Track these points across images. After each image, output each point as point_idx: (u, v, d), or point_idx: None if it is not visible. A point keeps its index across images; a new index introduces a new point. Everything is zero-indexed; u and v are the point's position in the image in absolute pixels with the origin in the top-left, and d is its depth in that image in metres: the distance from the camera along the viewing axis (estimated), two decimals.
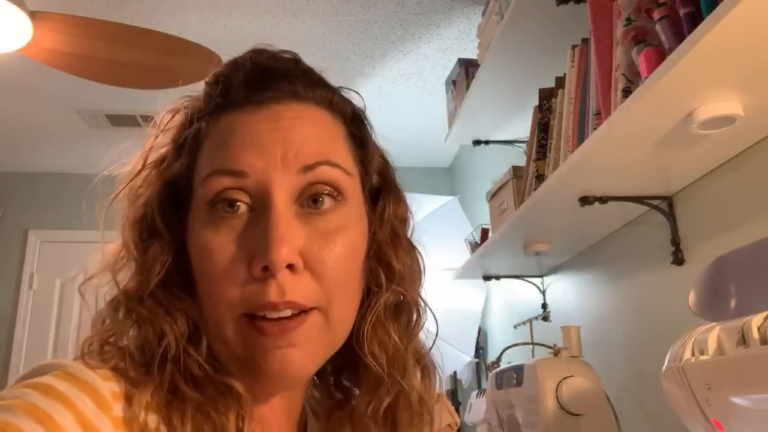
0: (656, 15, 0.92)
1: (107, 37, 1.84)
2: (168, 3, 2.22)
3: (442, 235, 2.59)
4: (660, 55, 0.90)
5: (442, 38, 2.44)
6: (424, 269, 0.60)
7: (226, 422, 0.47)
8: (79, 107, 2.97)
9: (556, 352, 1.39)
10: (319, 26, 2.36)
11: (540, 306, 1.99)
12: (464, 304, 2.55)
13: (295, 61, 0.57)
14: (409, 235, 0.60)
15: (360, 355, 0.55)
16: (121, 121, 3.09)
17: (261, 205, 0.49)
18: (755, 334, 0.55)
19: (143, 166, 0.55)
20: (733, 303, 0.68)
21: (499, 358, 1.75)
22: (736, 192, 1.11)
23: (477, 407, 2.20)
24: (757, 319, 0.56)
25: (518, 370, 1.37)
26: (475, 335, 2.60)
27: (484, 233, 1.91)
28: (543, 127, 1.45)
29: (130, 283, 0.52)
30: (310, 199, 0.50)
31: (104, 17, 1.86)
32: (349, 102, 0.59)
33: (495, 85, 1.80)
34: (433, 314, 0.60)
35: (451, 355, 2.47)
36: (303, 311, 0.49)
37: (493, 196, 1.77)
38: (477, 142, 2.15)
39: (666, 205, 1.29)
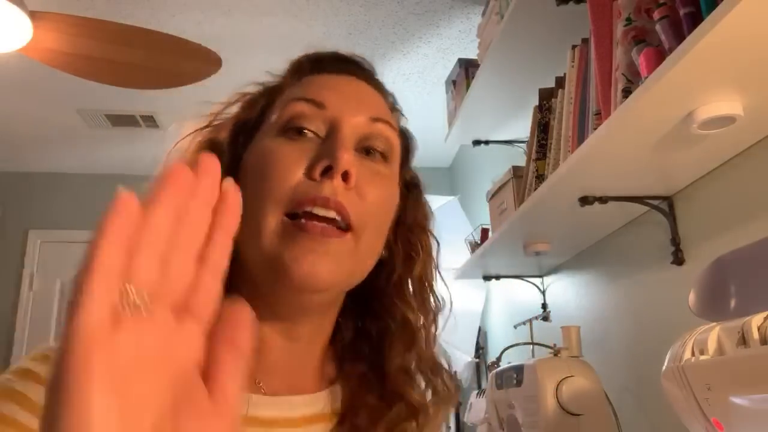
0: (656, 15, 0.92)
1: (107, 37, 1.84)
2: (168, 3, 2.22)
3: (442, 235, 2.59)
4: (660, 55, 0.90)
5: (442, 38, 2.44)
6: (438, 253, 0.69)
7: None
8: (79, 107, 2.97)
9: (556, 352, 1.39)
10: (319, 26, 2.36)
11: (540, 306, 1.99)
12: (464, 304, 2.55)
13: (372, 67, 0.67)
14: (430, 226, 0.69)
15: (389, 321, 0.62)
16: (121, 121, 3.09)
17: (330, 134, 0.56)
18: (755, 334, 0.55)
19: (211, 122, 0.62)
20: (733, 303, 0.68)
21: (499, 358, 1.75)
22: (736, 192, 1.11)
23: (477, 407, 2.20)
24: (757, 319, 0.56)
25: (518, 370, 1.37)
26: (475, 335, 2.60)
27: (484, 233, 1.91)
28: (543, 127, 1.45)
29: None
30: (365, 149, 0.58)
31: (104, 17, 1.86)
32: (398, 110, 0.68)
33: (495, 85, 1.80)
34: (444, 301, 0.69)
35: (451, 355, 2.47)
36: (341, 228, 0.53)
37: (493, 196, 1.77)
38: (477, 142, 2.15)
39: (666, 205, 1.29)
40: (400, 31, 2.40)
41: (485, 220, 1.88)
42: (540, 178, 1.41)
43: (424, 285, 0.65)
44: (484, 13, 1.82)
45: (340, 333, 0.65)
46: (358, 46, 2.49)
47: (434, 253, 0.67)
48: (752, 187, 1.07)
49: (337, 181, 0.52)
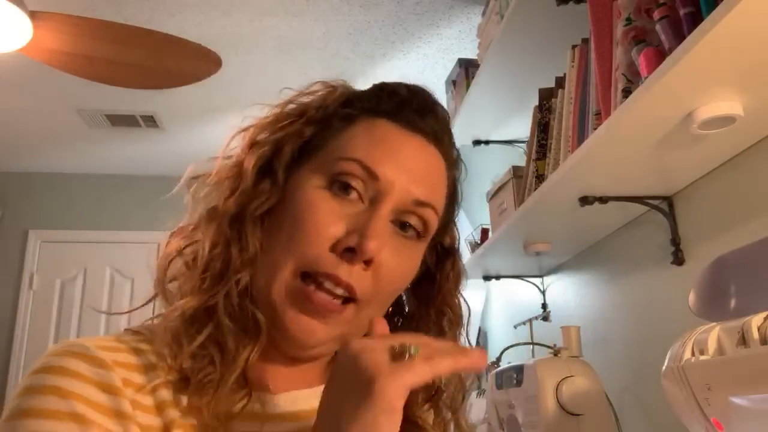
0: (656, 15, 0.91)
1: (107, 37, 1.84)
2: (168, 3, 2.22)
3: None
4: (660, 55, 0.90)
5: (442, 38, 2.44)
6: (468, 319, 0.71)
7: (236, 350, 0.55)
8: (79, 107, 2.97)
9: (556, 352, 1.39)
10: (319, 26, 2.36)
11: (540, 306, 1.99)
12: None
13: (448, 119, 0.67)
14: (461, 291, 0.70)
15: None
16: (121, 121, 3.09)
17: (372, 203, 0.57)
18: (755, 334, 0.55)
19: (280, 112, 0.62)
20: (733, 303, 0.68)
21: (499, 358, 1.75)
22: (736, 192, 1.11)
23: (477, 407, 2.20)
24: (757, 319, 0.56)
25: (518, 370, 1.37)
26: (475, 335, 2.59)
27: (484, 233, 1.91)
28: (543, 127, 1.45)
29: (230, 202, 0.58)
30: (401, 223, 0.59)
31: (104, 17, 1.86)
32: (460, 163, 0.69)
33: (495, 85, 1.80)
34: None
35: None
36: (347, 300, 0.56)
37: (493, 196, 1.77)
38: (477, 142, 2.15)
39: (666, 205, 1.29)
40: (400, 31, 2.40)
41: (485, 220, 1.88)
42: (540, 178, 1.41)
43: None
44: (484, 13, 1.82)
45: None
46: (358, 46, 2.49)
47: (463, 318, 0.69)
48: (752, 187, 1.07)
49: (357, 266, 0.55)
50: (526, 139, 1.59)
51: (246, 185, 0.58)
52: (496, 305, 2.64)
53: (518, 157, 1.96)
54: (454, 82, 2.13)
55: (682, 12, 0.86)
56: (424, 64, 2.62)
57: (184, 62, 1.94)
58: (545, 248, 1.65)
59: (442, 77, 2.45)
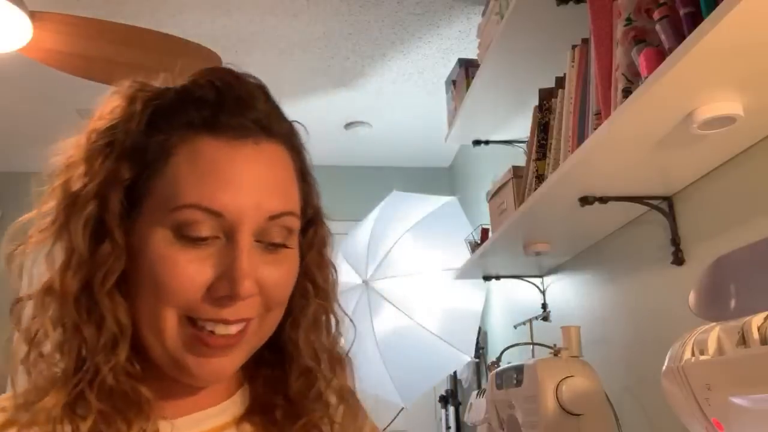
0: (656, 15, 0.91)
1: (107, 37, 1.84)
2: (168, 3, 2.22)
3: (442, 235, 2.59)
4: (660, 55, 0.90)
5: (442, 38, 2.44)
6: (337, 284, 0.68)
7: (126, 429, 0.52)
8: (79, 107, 2.97)
9: (556, 352, 1.39)
10: (319, 26, 2.36)
11: (540, 306, 1.99)
12: (464, 304, 2.55)
13: (265, 92, 0.60)
14: (329, 255, 0.67)
15: (288, 350, 0.63)
16: None
17: (228, 239, 0.54)
18: (755, 334, 0.55)
19: (86, 155, 0.57)
20: (733, 303, 0.68)
21: (499, 358, 1.75)
22: (736, 192, 1.11)
23: (477, 407, 2.20)
24: (757, 319, 0.56)
25: (518, 370, 1.37)
26: (475, 335, 2.60)
27: (484, 233, 1.91)
28: (543, 127, 1.45)
29: (69, 279, 0.53)
30: (268, 243, 0.56)
31: (104, 17, 1.86)
32: (298, 134, 0.63)
33: (495, 85, 1.80)
34: (352, 321, 0.69)
35: (451, 355, 2.47)
36: (243, 329, 0.55)
37: (493, 196, 1.77)
38: (477, 142, 2.15)
39: (666, 205, 1.29)
40: (400, 31, 2.40)
41: (485, 220, 1.88)
42: (540, 178, 1.41)
43: (318, 319, 0.65)
44: (484, 13, 1.82)
45: None
46: (358, 46, 2.49)
47: (334, 280, 0.67)
48: (752, 187, 1.07)
49: (239, 304, 0.54)
50: (526, 139, 1.59)
51: (81, 256, 0.53)
52: (496, 305, 2.64)
53: (518, 157, 1.96)
54: (454, 82, 2.13)
55: (682, 12, 0.86)
56: (424, 64, 2.62)
57: (184, 62, 1.94)
58: (545, 248, 1.65)
59: (442, 77, 2.46)
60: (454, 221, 2.67)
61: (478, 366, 2.77)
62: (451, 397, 2.88)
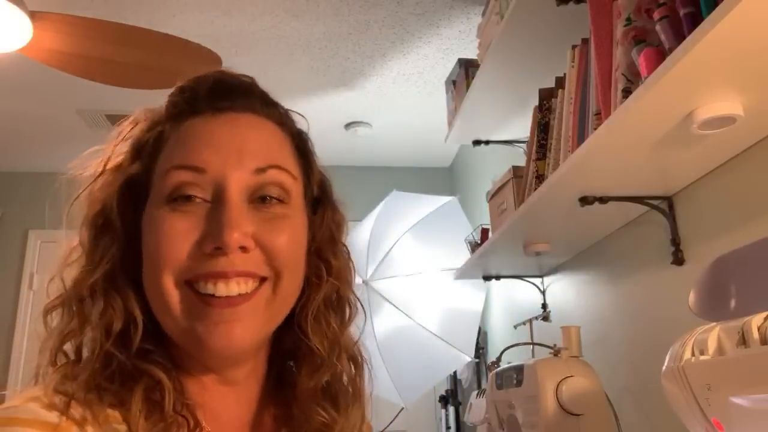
0: (656, 15, 0.91)
1: (107, 37, 1.84)
2: (168, 3, 2.22)
3: (442, 235, 2.59)
4: (660, 55, 0.90)
5: (442, 38, 2.44)
6: (354, 271, 0.68)
7: (132, 399, 0.51)
8: (79, 107, 2.97)
9: (556, 352, 1.39)
10: (319, 26, 2.36)
11: (540, 306, 1.99)
12: (464, 304, 2.55)
13: (253, 84, 0.63)
14: (344, 240, 0.67)
15: (302, 341, 0.62)
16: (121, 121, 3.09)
17: (216, 199, 0.54)
18: (755, 334, 0.55)
19: (103, 170, 0.60)
20: (733, 303, 0.68)
21: (499, 358, 1.75)
22: (736, 192, 1.11)
23: (477, 407, 2.20)
24: (757, 319, 0.56)
25: (518, 370, 1.37)
26: (475, 335, 2.60)
27: (484, 233, 1.91)
28: (543, 127, 1.45)
29: (78, 276, 0.56)
30: (259, 198, 0.56)
31: (104, 17, 1.86)
32: (295, 122, 0.65)
33: (495, 85, 1.80)
34: (364, 309, 0.68)
35: (451, 355, 2.47)
36: (250, 292, 0.54)
37: (493, 196, 1.77)
38: (477, 142, 2.15)
39: (666, 205, 1.29)
40: (400, 31, 2.40)
41: (485, 220, 1.88)
42: (540, 178, 1.41)
43: (337, 306, 0.65)
44: (484, 13, 1.82)
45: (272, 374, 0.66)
46: (358, 46, 2.49)
47: (348, 263, 0.66)
48: (752, 187, 1.07)
49: (233, 254, 0.53)
50: (526, 139, 1.59)
51: (87, 252, 0.57)
52: (496, 305, 2.64)
53: (518, 157, 1.96)
54: (454, 82, 2.13)
55: (682, 12, 0.86)
56: (424, 64, 2.62)
57: (184, 62, 1.94)
58: (545, 248, 1.65)
59: (442, 77, 2.46)
60: (454, 221, 2.67)
61: (478, 366, 2.77)
62: (451, 397, 2.88)
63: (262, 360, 0.63)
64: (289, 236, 0.57)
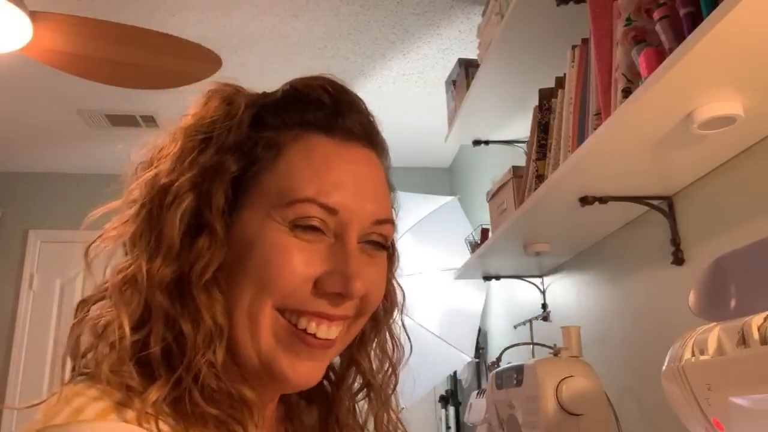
0: (656, 15, 0.91)
1: (107, 37, 1.84)
2: (168, 3, 2.22)
3: (442, 235, 2.59)
4: (660, 55, 0.90)
5: (442, 38, 2.44)
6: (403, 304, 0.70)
7: None
8: (79, 107, 2.97)
9: (556, 352, 1.39)
10: (319, 26, 2.36)
11: (540, 306, 1.99)
12: (464, 304, 2.55)
13: (363, 102, 0.63)
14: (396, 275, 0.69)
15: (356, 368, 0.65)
16: (121, 121, 3.09)
17: (338, 238, 0.55)
18: (755, 334, 0.55)
19: (181, 150, 0.56)
20: (733, 303, 0.68)
21: (499, 358, 1.75)
22: (736, 192, 1.11)
23: (477, 407, 2.20)
24: (757, 319, 0.56)
25: (518, 370, 1.36)
26: (475, 335, 2.60)
27: (484, 233, 1.91)
28: (543, 127, 1.45)
29: (161, 269, 0.51)
30: (369, 244, 0.57)
31: (104, 17, 1.86)
32: (388, 150, 0.65)
33: (495, 85, 1.80)
34: (409, 340, 0.71)
35: (451, 355, 2.47)
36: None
37: (493, 196, 1.77)
38: (477, 142, 2.15)
39: (666, 205, 1.29)
40: (400, 31, 2.40)
41: (485, 220, 1.88)
42: (540, 178, 1.41)
43: (385, 337, 0.67)
44: (484, 13, 1.82)
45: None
46: (358, 46, 2.49)
47: (399, 305, 0.68)
48: (752, 187, 1.07)
49: (347, 303, 0.55)
50: (526, 139, 1.59)
51: (173, 247, 0.52)
52: (496, 305, 2.64)
53: (518, 157, 1.96)
54: (454, 82, 2.13)
55: (682, 12, 0.86)
56: (424, 64, 2.62)
57: (184, 62, 1.94)
58: (545, 248, 1.65)
59: (442, 77, 2.46)
60: (454, 221, 2.67)
61: (478, 366, 2.77)
62: (451, 397, 2.88)
63: None
64: (381, 282, 0.60)
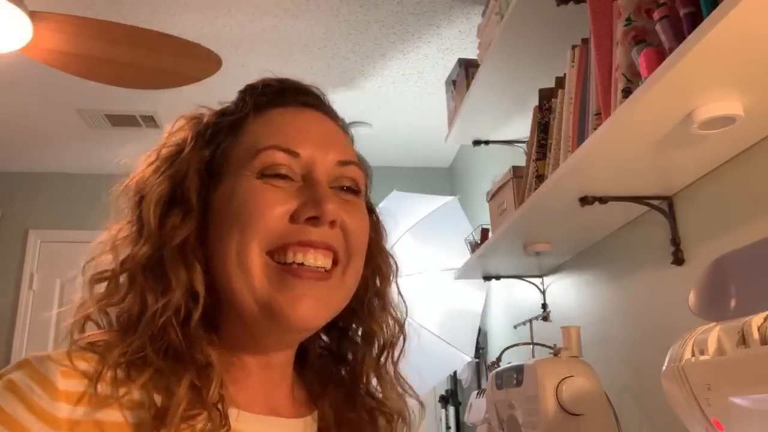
0: (656, 15, 0.91)
1: (107, 37, 1.84)
2: (168, 3, 2.22)
3: (442, 235, 2.59)
4: (660, 55, 0.90)
5: (442, 38, 2.44)
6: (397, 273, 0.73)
7: (177, 388, 0.51)
8: (79, 107, 2.97)
9: (556, 352, 1.39)
10: (319, 26, 2.36)
11: (540, 306, 1.99)
12: (464, 304, 2.55)
13: (320, 91, 0.68)
14: (386, 245, 0.73)
15: (363, 335, 0.68)
16: (121, 121, 3.08)
17: (306, 180, 0.59)
18: (755, 334, 0.55)
19: (157, 157, 0.62)
20: (733, 303, 0.68)
21: (499, 358, 1.75)
22: (736, 192, 1.11)
23: (477, 407, 2.20)
24: (757, 319, 0.56)
25: (518, 370, 1.36)
26: (475, 335, 2.60)
27: (484, 233, 1.91)
28: (543, 127, 1.45)
29: (140, 250, 0.57)
30: (338, 187, 0.61)
31: (104, 17, 1.86)
32: (349, 129, 0.70)
33: (495, 85, 1.80)
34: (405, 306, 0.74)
35: (451, 355, 2.47)
36: (329, 269, 0.58)
37: (493, 196, 1.77)
38: (477, 142, 2.15)
39: (666, 205, 1.29)
40: (400, 31, 2.40)
41: (485, 220, 1.88)
42: (540, 178, 1.41)
43: (387, 301, 0.70)
44: (484, 13, 1.82)
45: (306, 358, 0.69)
46: (358, 46, 2.49)
47: (393, 270, 0.72)
48: (752, 187, 1.07)
49: (324, 228, 0.57)
50: (526, 139, 1.59)
51: (151, 227, 0.57)
52: (496, 305, 2.64)
53: (518, 157, 1.96)
54: (454, 82, 2.13)
55: (682, 12, 0.86)
56: (424, 64, 2.62)
57: (184, 62, 1.94)
58: (545, 248, 1.65)
59: (442, 77, 2.46)
60: (454, 221, 2.67)
61: (478, 366, 2.77)
62: (451, 397, 2.88)
63: (295, 350, 0.65)
64: (362, 222, 0.62)
